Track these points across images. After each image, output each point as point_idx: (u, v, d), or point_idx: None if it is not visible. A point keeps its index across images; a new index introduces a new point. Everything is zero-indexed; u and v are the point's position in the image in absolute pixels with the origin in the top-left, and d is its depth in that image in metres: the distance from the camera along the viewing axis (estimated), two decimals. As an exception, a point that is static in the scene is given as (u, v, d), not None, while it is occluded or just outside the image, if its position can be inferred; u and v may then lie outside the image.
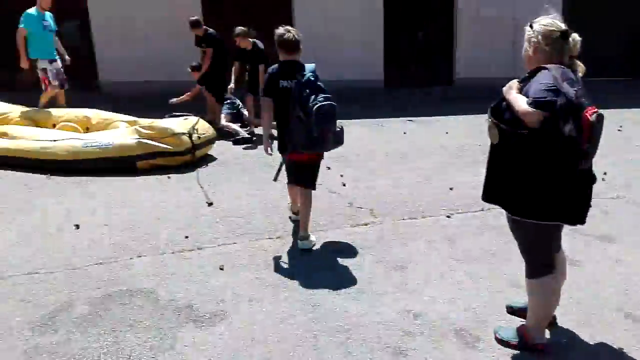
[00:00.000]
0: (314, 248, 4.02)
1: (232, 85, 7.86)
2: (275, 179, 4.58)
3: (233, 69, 7.94)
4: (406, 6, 12.56)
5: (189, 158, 5.95)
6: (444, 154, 6.95)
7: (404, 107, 10.35)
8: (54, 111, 6.94)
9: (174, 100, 7.85)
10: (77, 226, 4.25)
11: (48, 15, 7.23)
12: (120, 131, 6.08)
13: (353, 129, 8.06)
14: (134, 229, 4.26)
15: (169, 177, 5.57)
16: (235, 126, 7.56)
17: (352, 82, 11.67)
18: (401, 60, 12.77)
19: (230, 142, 7.24)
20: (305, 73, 3.73)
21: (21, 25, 6.95)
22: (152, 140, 5.72)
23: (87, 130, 6.59)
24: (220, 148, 6.70)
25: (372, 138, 7.79)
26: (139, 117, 6.77)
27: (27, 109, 7.02)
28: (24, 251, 3.83)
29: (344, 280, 3.55)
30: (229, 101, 7.83)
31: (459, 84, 12.99)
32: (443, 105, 10.84)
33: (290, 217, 4.61)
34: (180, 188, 5.30)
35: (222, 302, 3.22)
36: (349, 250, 4.01)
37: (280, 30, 3.87)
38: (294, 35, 3.84)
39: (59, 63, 7.25)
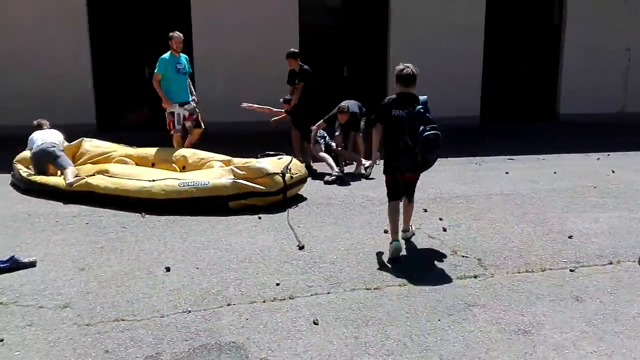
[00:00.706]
0: (414, 298, 3.59)
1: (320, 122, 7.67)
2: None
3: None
4: (508, 38, 11.94)
5: (280, 198, 5.75)
6: (555, 198, 6.26)
7: (504, 144, 9.68)
8: (153, 150, 7.08)
9: (247, 105, 7.80)
10: (168, 269, 4.11)
11: (182, 57, 7.43)
12: (215, 171, 6.03)
13: (448, 168, 7.58)
14: (224, 273, 4.05)
15: (259, 218, 5.38)
16: (331, 160, 7.31)
17: (446, 120, 11.18)
18: (500, 94, 12.10)
19: (322, 182, 7.00)
20: (417, 105, 4.28)
21: (156, 71, 7.19)
22: (246, 180, 5.60)
23: (183, 169, 6.62)
24: (309, 187, 6.48)
25: (470, 178, 7.24)
26: (232, 155, 6.73)
27: (129, 147, 7.23)
28: (112, 295, 3.70)
29: (454, 344, 3.07)
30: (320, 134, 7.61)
31: (563, 120, 12.07)
32: (546, 142, 10.04)
33: (387, 262, 4.31)
34: (270, 229, 5.07)
35: (318, 365, 2.87)
36: (458, 308, 3.52)
37: (400, 66, 4.39)
38: (411, 70, 4.34)
39: (191, 105, 7.39)
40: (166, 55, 7.27)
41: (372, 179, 6.93)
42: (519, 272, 4.10)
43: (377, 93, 10.38)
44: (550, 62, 12.17)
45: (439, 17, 11.13)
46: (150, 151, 7.06)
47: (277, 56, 8.29)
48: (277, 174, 5.73)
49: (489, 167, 8.02)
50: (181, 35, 7.39)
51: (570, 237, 4.87)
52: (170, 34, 7.35)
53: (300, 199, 6.16)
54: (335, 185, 6.88)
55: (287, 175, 5.84)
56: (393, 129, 4.33)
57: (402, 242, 4.57)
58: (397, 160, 4.36)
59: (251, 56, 10.55)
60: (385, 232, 4.97)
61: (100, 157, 7.05)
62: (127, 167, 6.41)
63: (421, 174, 4.68)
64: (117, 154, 7.09)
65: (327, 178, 7.08)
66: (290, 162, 6.08)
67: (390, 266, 4.22)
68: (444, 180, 7.03)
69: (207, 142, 7.47)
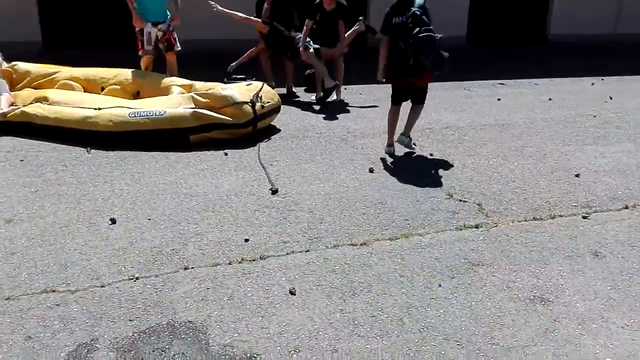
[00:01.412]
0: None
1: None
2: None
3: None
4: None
5: (250, 130, 5.02)
6: (554, 128, 5.68)
7: (493, 68, 8.96)
8: (103, 72, 6.13)
9: (234, 64, 6.90)
10: (113, 220, 3.43)
11: None
12: (173, 98, 5.19)
13: (436, 94, 6.86)
14: (182, 226, 3.39)
15: (225, 154, 4.67)
16: (326, 71, 6.48)
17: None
18: (487, 14, 11.19)
19: (300, 110, 6.25)
20: (412, 8, 4.28)
21: None
22: (209, 110, 4.83)
23: (137, 95, 5.75)
24: (283, 117, 5.74)
25: (459, 106, 6.57)
26: (195, 79, 5.87)
27: (76, 69, 6.25)
28: (43, 257, 3.03)
29: (460, 319, 2.54)
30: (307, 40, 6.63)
31: (555, 42, 11.33)
32: (538, 65, 9.36)
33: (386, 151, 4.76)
34: (238, 168, 4.39)
35: (297, 353, 2.30)
36: (460, 269, 2.98)
37: None
38: None
39: (165, 26, 6.17)
40: None
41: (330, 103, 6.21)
42: (525, 220, 3.56)
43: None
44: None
45: None
46: (100, 72, 6.10)
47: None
48: (246, 102, 4.96)
49: (478, 93, 7.35)
50: None
51: (577, 175, 4.33)
52: None
53: (273, 130, 5.44)
54: (312, 113, 6.15)
55: (258, 105, 5.07)
56: (394, 37, 4.43)
57: (397, 146, 4.82)
58: (394, 65, 4.46)
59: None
60: (371, 171, 4.35)
61: (43, 80, 6.08)
62: (70, 94, 5.50)
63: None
64: (62, 75, 6.12)
65: (319, 97, 6.52)
66: (261, 88, 5.30)
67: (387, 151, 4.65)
68: (433, 108, 6.35)
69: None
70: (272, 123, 5.49)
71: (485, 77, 8.20)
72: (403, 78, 4.56)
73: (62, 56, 7.06)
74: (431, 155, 4.80)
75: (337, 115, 6.07)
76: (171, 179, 4.13)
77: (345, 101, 6.68)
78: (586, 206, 3.79)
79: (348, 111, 6.29)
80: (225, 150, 4.72)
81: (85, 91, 5.90)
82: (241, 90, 5.11)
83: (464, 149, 4.96)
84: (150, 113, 4.80)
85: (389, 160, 4.67)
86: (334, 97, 6.65)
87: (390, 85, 4.81)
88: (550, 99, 6.93)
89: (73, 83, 5.98)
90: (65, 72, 6.17)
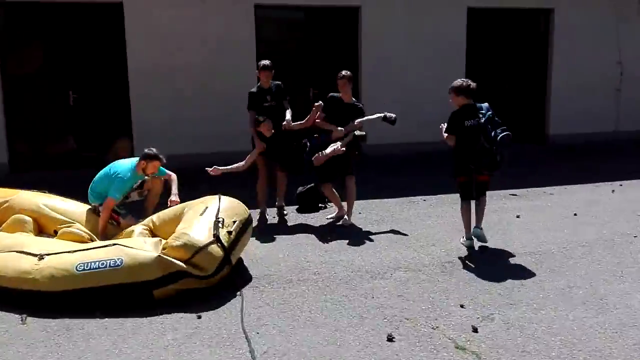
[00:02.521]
0: None
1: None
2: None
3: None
4: (490, 54, 10.58)
5: (225, 273, 4.04)
6: (595, 255, 4.75)
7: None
8: (60, 205, 5.15)
9: (214, 170, 5.61)
10: None
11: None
12: (134, 241, 4.19)
13: (443, 210, 6.00)
14: None
15: (198, 317, 3.63)
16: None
17: (428, 145, 9.74)
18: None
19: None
20: (484, 112, 4.83)
21: (111, 195, 5.01)
22: (176, 259, 3.86)
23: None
24: (274, 250, 4.77)
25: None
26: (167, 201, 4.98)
27: (36, 193, 5.27)
28: None
29: None
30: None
31: (554, 142, 10.78)
32: (544, 170, 8.65)
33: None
34: (214, 342, 3.33)
35: None
36: None
37: (460, 81, 4.95)
38: (472, 84, 4.89)
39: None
40: (126, 173, 5.09)
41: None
42: None
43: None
44: (538, 79, 10.88)
45: (415, 32, 9.71)
46: (57, 209, 5.10)
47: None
48: (211, 243, 3.97)
49: (491, 207, 6.48)
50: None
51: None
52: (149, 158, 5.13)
53: (258, 266, 4.46)
54: (307, 242, 5.21)
55: (223, 232, 4.10)
56: (467, 137, 4.80)
57: (475, 240, 5.01)
58: (476, 162, 4.81)
59: (200, 75, 8.85)
60: (391, 339, 3.32)
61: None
62: (11, 238, 4.49)
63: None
64: (14, 204, 5.09)
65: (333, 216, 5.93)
66: (219, 208, 4.35)
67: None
68: (446, 230, 5.47)
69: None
70: (252, 251, 4.52)
71: (492, 186, 7.43)
72: (485, 173, 4.96)
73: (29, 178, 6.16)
74: (462, 306, 3.79)
75: (337, 244, 5.13)
76: (125, 364, 3.06)
77: (340, 222, 5.78)
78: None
79: (348, 236, 5.37)
80: (200, 313, 3.68)
81: (38, 229, 4.95)
82: (200, 224, 4.13)
83: (499, 297, 3.96)
84: (103, 264, 3.79)
85: (408, 324, 3.66)
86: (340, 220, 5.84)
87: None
88: (575, 214, 6.09)
89: (26, 218, 4.99)
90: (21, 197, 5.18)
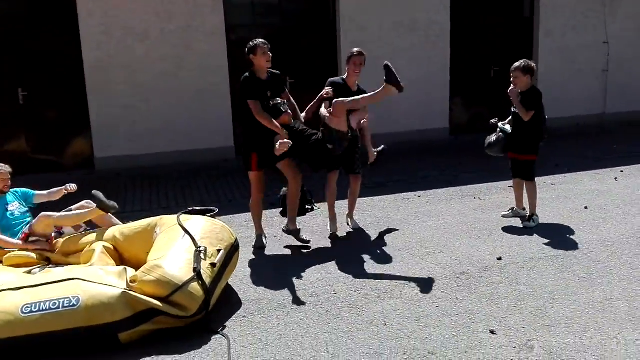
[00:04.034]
0: None
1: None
2: None
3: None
4: (476, 37, 10.00)
5: (203, 316, 3.34)
6: (623, 260, 4.24)
7: (485, 162, 7.68)
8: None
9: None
10: None
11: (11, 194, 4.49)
12: (90, 272, 3.45)
13: (442, 207, 5.42)
14: None
15: (178, 365, 2.96)
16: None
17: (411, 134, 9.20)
18: (470, 101, 10.18)
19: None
20: None
21: None
22: (148, 297, 3.15)
23: (46, 262, 4.02)
24: (261, 265, 4.09)
25: (474, 227, 5.12)
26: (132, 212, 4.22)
27: None
28: None
29: None
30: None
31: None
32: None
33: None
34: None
35: None
36: None
37: (525, 61, 5.04)
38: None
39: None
40: None
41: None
42: None
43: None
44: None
45: (397, 15, 9.07)
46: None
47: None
48: (192, 279, 3.25)
49: (493, 202, 5.96)
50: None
51: None
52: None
53: (244, 287, 3.79)
54: (298, 254, 4.55)
55: (205, 265, 3.39)
56: (542, 115, 5.00)
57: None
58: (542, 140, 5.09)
59: (164, 67, 8.04)
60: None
61: None
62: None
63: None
64: None
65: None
66: (207, 234, 3.65)
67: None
68: (451, 232, 4.88)
69: (102, 188, 4.76)
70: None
71: (485, 177, 6.90)
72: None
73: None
74: (493, 333, 3.20)
75: (333, 256, 4.49)
76: None
77: (329, 228, 5.10)
78: None
79: (344, 245, 4.74)
80: (176, 357, 2.99)
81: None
82: (176, 255, 3.39)
83: (530, 314, 3.39)
84: (55, 304, 3.05)
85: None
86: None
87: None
88: (586, 207, 5.59)
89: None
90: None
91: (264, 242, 4.79)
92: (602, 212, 5.43)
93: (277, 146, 4.22)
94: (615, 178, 6.74)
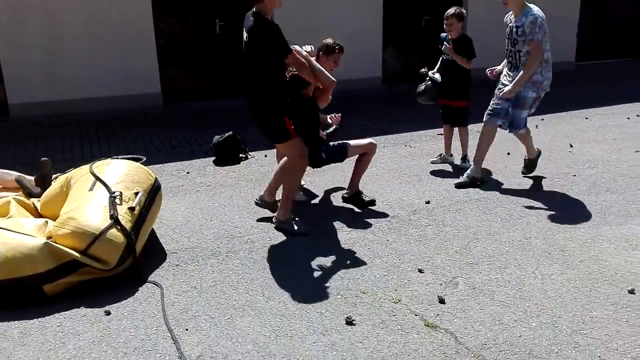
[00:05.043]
0: None
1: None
2: None
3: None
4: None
5: (131, 261, 3.26)
6: (540, 195, 4.52)
7: (421, 113, 7.85)
8: None
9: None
10: None
11: None
12: (10, 222, 3.26)
13: (388, 160, 5.54)
14: None
15: (107, 314, 2.88)
16: None
17: (344, 83, 9.16)
18: (403, 51, 10.23)
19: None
20: None
21: None
22: (69, 248, 3.02)
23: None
24: (192, 211, 4.02)
25: (413, 172, 5.28)
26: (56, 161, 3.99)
27: None
28: None
29: None
30: None
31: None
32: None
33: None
34: (132, 341, 2.63)
35: None
36: None
37: (457, 8, 5.04)
38: None
39: None
40: None
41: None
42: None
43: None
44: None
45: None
46: None
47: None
48: (110, 227, 3.10)
49: (418, 150, 6.13)
50: None
51: None
52: None
53: (176, 236, 3.72)
54: (230, 205, 4.50)
55: (123, 209, 3.25)
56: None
57: None
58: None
59: (84, 7, 7.47)
60: (350, 322, 2.79)
61: None
62: None
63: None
64: None
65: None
66: (121, 177, 3.50)
67: None
68: (383, 179, 4.99)
69: (17, 137, 4.53)
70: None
71: (420, 123, 7.06)
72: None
73: None
74: (421, 271, 3.34)
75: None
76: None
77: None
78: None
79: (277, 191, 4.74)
80: (107, 308, 2.92)
81: None
82: (91, 204, 3.21)
83: (454, 253, 3.56)
84: (-30, 257, 2.88)
85: (366, 300, 3.15)
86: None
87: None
88: (508, 153, 5.87)
89: None
90: None
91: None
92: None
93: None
94: (536, 126, 7.08)
